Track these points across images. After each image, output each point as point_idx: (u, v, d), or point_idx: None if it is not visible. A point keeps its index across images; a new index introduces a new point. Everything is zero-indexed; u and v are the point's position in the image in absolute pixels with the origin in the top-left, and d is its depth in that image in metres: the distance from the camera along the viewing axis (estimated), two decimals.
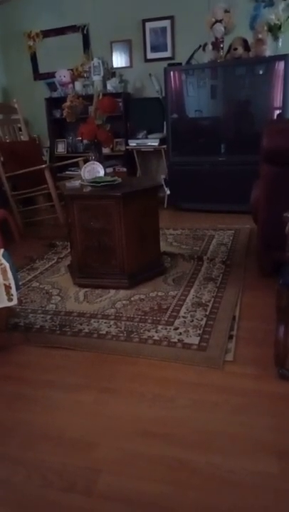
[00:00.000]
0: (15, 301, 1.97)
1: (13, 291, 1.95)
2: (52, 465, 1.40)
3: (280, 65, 3.88)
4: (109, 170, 4.43)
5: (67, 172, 4.92)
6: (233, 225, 3.89)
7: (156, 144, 4.69)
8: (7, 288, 1.93)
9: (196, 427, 1.53)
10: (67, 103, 3.04)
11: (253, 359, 1.89)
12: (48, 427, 1.58)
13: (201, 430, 1.51)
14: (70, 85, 5.04)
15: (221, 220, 4.11)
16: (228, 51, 4.12)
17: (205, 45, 4.21)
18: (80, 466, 1.39)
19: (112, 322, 2.29)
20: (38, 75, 5.36)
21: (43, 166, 3.88)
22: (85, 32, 4.99)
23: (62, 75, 5.02)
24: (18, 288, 2.02)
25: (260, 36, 3.91)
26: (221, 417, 1.57)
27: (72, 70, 5.04)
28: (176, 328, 2.18)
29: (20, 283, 2.81)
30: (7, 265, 1.94)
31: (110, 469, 1.37)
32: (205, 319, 2.25)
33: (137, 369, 1.89)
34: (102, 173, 2.84)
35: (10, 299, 1.95)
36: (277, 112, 4.00)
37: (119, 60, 4.98)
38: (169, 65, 4.40)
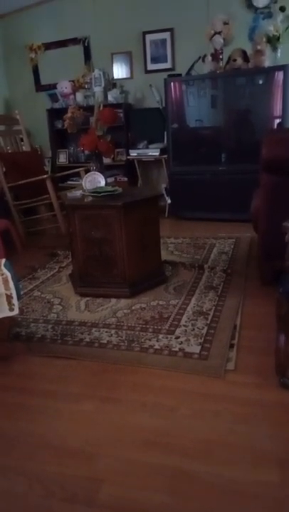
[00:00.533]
0: (16, 311, 1.98)
1: (15, 300, 1.96)
2: (53, 475, 1.40)
3: (280, 76, 3.92)
4: (111, 180, 4.46)
5: (68, 182, 4.96)
6: (233, 234, 3.90)
7: (157, 153, 4.73)
8: (8, 298, 1.94)
9: (197, 437, 1.52)
10: (69, 114, 3.07)
11: (254, 368, 1.89)
12: (50, 437, 1.58)
13: (202, 439, 1.51)
14: (72, 96, 5.09)
15: (222, 228, 4.12)
16: (228, 62, 4.17)
17: (204, 56, 4.26)
18: (81, 476, 1.39)
19: (113, 331, 2.29)
20: (39, 87, 5.42)
21: (45, 176, 3.91)
22: (86, 44, 5.05)
23: (64, 87, 5.08)
24: (19, 297, 2.03)
25: (259, 47, 3.96)
26: (222, 427, 1.56)
27: (73, 81, 5.11)
28: (178, 337, 2.18)
29: (21, 292, 2.82)
30: (8, 275, 1.95)
31: (112, 479, 1.37)
32: (206, 328, 2.25)
33: (138, 378, 1.89)
34: (103, 183, 2.86)
35: (11, 309, 1.95)
36: (277, 121, 4.03)
37: (119, 72, 5.03)
38: (169, 75, 4.46)
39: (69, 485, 1.36)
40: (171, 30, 4.69)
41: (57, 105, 5.16)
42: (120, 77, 5.04)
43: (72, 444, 1.54)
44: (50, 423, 1.65)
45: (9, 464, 1.48)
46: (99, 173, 2.89)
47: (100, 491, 1.33)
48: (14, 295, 1.95)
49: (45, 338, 2.28)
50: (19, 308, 2.03)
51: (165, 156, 4.65)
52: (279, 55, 4.11)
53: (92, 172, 2.92)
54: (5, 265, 1.99)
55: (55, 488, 1.35)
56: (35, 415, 1.71)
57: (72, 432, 1.60)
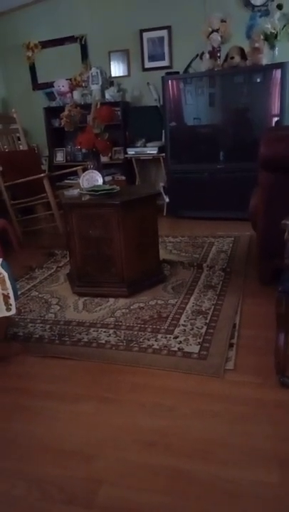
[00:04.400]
0: (13, 311, 1.96)
1: (12, 300, 1.94)
2: (52, 477, 1.39)
3: (277, 73, 3.91)
4: (109, 178, 4.44)
5: (66, 181, 4.94)
6: (232, 232, 3.89)
7: (155, 152, 4.71)
8: (5, 298, 1.92)
9: (197, 437, 1.51)
10: (66, 112, 3.05)
11: (254, 367, 1.88)
12: (48, 439, 1.57)
13: (202, 440, 1.50)
14: (69, 95, 5.07)
15: (221, 227, 4.11)
16: (225, 60, 4.15)
17: (202, 54, 4.24)
18: (80, 478, 1.38)
19: (111, 331, 2.28)
20: (36, 85, 5.40)
21: (42, 175, 3.89)
22: (83, 42, 5.03)
23: (61, 85, 5.06)
24: (16, 297, 2.02)
25: (256, 45, 3.94)
26: (222, 426, 1.55)
27: (70, 79, 5.09)
28: (176, 337, 2.17)
29: (19, 292, 2.81)
30: (6, 275, 1.93)
31: (111, 480, 1.36)
32: (205, 327, 2.24)
33: (137, 378, 1.88)
34: (100, 181, 2.85)
35: (8, 309, 1.94)
36: (275, 119, 4.02)
37: (117, 70, 5.01)
38: (167, 73, 4.43)
39: (67, 487, 1.35)
40: (168, 28, 4.67)
41: (54, 104, 5.14)
42: (117, 75, 5.02)
43: (71, 445, 1.53)
44: (48, 424, 1.64)
45: (7, 466, 1.46)
46: (96, 172, 2.87)
47: (99, 492, 1.32)
48: (11, 295, 1.94)
49: (43, 339, 2.26)
50: (16, 308, 2.01)
51: (163, 154, 4.64)
52: (276, 52, 4.09)
53: (90, 170, 2.90)
54: (2, 265, 1.98)
55: (53, 490, 1.34)
56: (33, 416, 1.69)
57: (71, 433, 1.58)
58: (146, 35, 4.78)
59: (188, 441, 1.49)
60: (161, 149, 4.67)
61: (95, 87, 4.87)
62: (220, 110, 4.38)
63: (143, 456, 1.45)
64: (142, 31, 4.77)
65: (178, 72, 4.46)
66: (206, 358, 1.97)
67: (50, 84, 5.16)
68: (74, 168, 4.32)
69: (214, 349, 2.03)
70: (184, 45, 4.59)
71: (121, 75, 5.01)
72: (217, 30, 4.05)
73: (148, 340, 2.16)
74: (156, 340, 2.15)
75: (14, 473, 1.43)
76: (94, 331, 2.30)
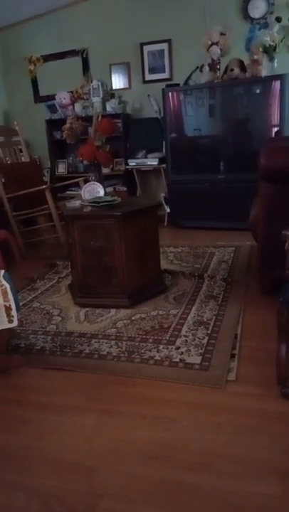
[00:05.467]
0: (15, 323, 1.96)
1: (14, 312, 1.94)
2: (53, 490, 1.38)
3: (276, 85, 3.95)
4: (110, 189, 4.46)
5: (67, 192, 4.96)
6: (233, 242, 3.89)
7: (156, 163, 4.74)
8: (7, 309, 1.93)
9: (198, 449, 1.51)
10: (67, 125, 3.08)
11: (256, 378, 1.88)
12: (49, 451, 1.56)
13: (204, 452, 1.49)
14: (70, 107, 5.13)
15: (221, 237, 4.12)
16: (225, 72, 4.19)
17: (202, 66, 4.29)
18: (80, 491, 1.37)
19: (112, 342, 2.28)
20: (38, 98, 5.46)
21: (44, 186, 3.91)
22: (84, 56, 5.09)
23: (63, 98, 5.11)
24: (18, 309, 2.02)
25: (255, 57, 3.99)
26: (224, 438, 1.54)
27: (72, 92, 5.14)
28: (178, 348, 2.16)
29: (20, 304, 2.81)
30: (7, 286, 1.94)
31: (111, 494, 1.35)
32: (207, 338, 2.24)
33: (138, 390, 1.87)
34: (102, 193, 2.86)
35: (10, 321, 1.94)
36: (275, 130, 4.05)
37: (118, 82, 5.07)
38: (167, 85, 4.48)
39: (68, 499, 1.34)
40: (168, 41, 4.73)
41: (55, 116, 5.19)
42: (118, 87, 5.07)
43: (72, 457, 1.52)
44: (50, 436, 1.63)
45: (8, 478, 1.45)
46: (98, 183, 2.89)
47: (100, 505, 1.31)
48: (13, 306, 1.94)
49: (45, 350, 2.26)
50: (18, 319, 2.01)
51: (164, 165, 4.67)
52: (276, 64, 4.13)
53: (91, 182, 2.93)
54: (4, 276, 1.98)
55: (54, 503, 1.33)
56: (34, 428, 1.69)
57: (72, 446, 1.58)
58: (146, 48, 4.84)
59: (190, 454, 1.49)
60: (161, 160, 4.70)
61: (96, 100, 4.92)
62: (220, 121, 4.41)
63: (144, 468, 1.44)
64: (142, 44, 4.83)
65: (178, 84, 4.51)
66: (208, 369, 1.96)
67: (52, 97, 5.22)
68: (75, 180, 4.35)
69: (216, 360, 2.02)
70: (184, 57, 4.64)
71: (122, 87, 5.07)
72: (217, 43, 4.10)
73: (150, 351, 2.16)
74: (157, 351, 2.14)
75: (15, 485, 1.42)
76: (95, 342, 2.30)
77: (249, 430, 1.57)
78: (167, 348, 2.17)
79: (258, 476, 1.37)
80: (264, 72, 3.99)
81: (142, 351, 2.16)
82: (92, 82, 4.98)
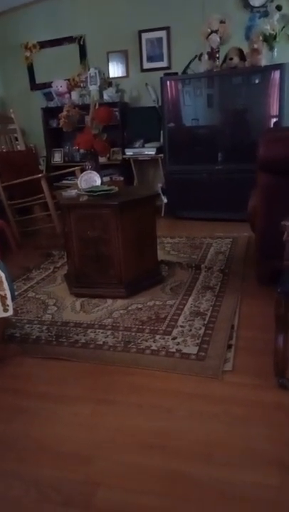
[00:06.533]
0: (10, 312, 1.95)
1: (9, 301, 1.93)
2: (49, 479, 1.38)
3: (276, 74, 3.91)
4: (106, 179, 4.43)
5: (63, 181, 4.92)
6: (230, 233, 3.88)
7: (153, 152, 4.71)
8: (3, 298, 1.91)
9: (195, 439, 1.50)
10: (64, 113, 3.04)
11: (253, 369, 1.87)
12: (45, 440, 1.55)
13: (200, 442, 1.49)
14: (67, 95, 5.07)
15: (219, 228, 4.11)
16: (224, 61, 4.15)
17: (201, 55, 4.24)
18: (77, 480, 1.37)
19: (109, 332, 2.27)
20: (34, 85, 5.39)
21: (40, 175, 3.88)
22: (81, 43, 5.02)
23: (59, 85, 5.05)
24: (13, 298, 2.00)
25: (255, 46, 3.94)
26: (221, 428, 1.54)
27: (68, 80, 5.08)
28: (174, 338, 2.16)
29: (16, 293, 2.79)
30: (3, 275, 1.92)
31: (108, 483, 1.35)
32: (203, 328, 2.23)
33: (135, 380, 1.87)
34: (98, 182, 2.83)
35: (5, 310, 1.92)
36: (274, 120, 4.02)
37: (115, 70, 5.01)
38: (165, 74, 4.43)
39: (65, 489, 1.34)
40: (167, 28, 4.67)
41: (52, 104, 5.13)
42: (116, 75, 5.01)
43: (68, 447, 1.51)
44: (46, 426, 1.63)
45: (4, 467, 1.45)
46: (95, 172, 2.86)
47: (96, 494, 1.31)
48: (8, 296, 1.93)
49: (40, 340, 2.25)
50: (13, 309, 2.00)
51: (161, 155, 4.63)
52: (275, 54, 4.09)
53: (88, 171, 2.89)
54: None
55: (50, 492, 1.33)
56: (30, 418, 1.68)
57: (68, 435, 1.57)
58: (144, 35, 4.77)
59: (187, 443, 1.48)
60: (159, 150, 4.67)
61: (94, 88, 4.85)
62: (218, 111, 4.38)
63: (141, 458, 1.44)
64: (140, 32, 4.77)
65: (176, 73, 4.46)
66: (205, 359, 1.96)
67: (49, 85, 5.15)
68: (72, 169, 4.31)
69: (212, 350, 2.02)
70: (182, 46, 4.59)
71: (119, 75, 5.01)
72: (216, 31, 4.05)
73: (146, 341, 2.15)
74: (154, 342, 2.14)
75: (11, 474, 1.41)
76: (91, 332, 2.29)
77: (246, 420, 1.57)
78: (164, 339, 2.16)
79: (256, 467, 1.37)
80: (264, 61, 3.95)
81: (139, 341, 2.15)
82: (89, 69, 4.91)
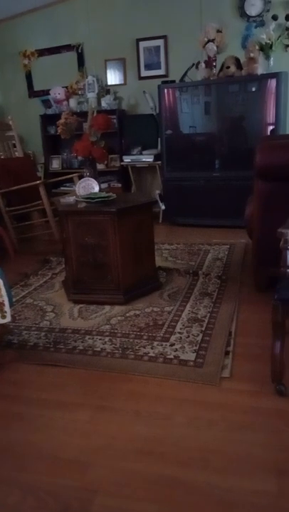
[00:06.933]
0: (8, 318, 1.95)
1: (7, 308, 1.93)
2: (47, 486, 1.37)
3: (272, 83, 3.95)
4: (104, 186, 4.45)
5: (61, 188, 4.94)
6: (228, 240, 3.90)
7: (151, 159, 4.73)
8: (0, 305, 1.91)
9: (193, 445, 1.50)
10: (62, 120, 3.06)
11: (250, 375, 1.88)
12: (43, 447, 1.55)
13: (198, 448, 1.49)
14: (65, 102, 5.09)
15: (216, 234, 4.12)
16: (221, 69, 4.19)
17: (198, 63, 4.28)
18: (75, 487, 1.36)
19: (107, 339, 2.27)
20: (32, 93, 5.41)
21: (38, 182, 3.89)
22: (79, 51, 5.06)
23: (57, 93, 5.08)
24: (11, 305, 2.00)
25: (251, 55, 3.98)
26: (218, 435, 1.55)
27: (66, 87, 5.11)
28: (172, 345, 2.16)
29: (13, 299, 2.79)
30: (0, 282, 1.92)
31: (106, 490, 1.35)
32: (201, 335, 2.24)
33: (133, 386, 1.87)
34: (96, 189, 2.85)
35: (3, 316, 1.93)
36: (270, 128, 4.05)
37: (113, 78, 5.04)
38: (163, 82, 4.47)
39: (62, 496, 1.34)
40: (164, 37, 4.71)
41: (50, 111, 5.16)
42: (114, 83, 5.04)
43: (66, 453, 1.51)
44: (43, 432, 1.63)
45: (2, 474, 1.44)
46: (93, 179, 2.88)
47: (94, 501, 1.31)
48: (6, 302, 1.93)
49: (38, 346, 2.25)
50: (11, 315, 2.00)
51: (159, 162, 4.65)
52: (272, 63, 4.14)
53: (86, 178, 2.91)
54: None
55: (48, 499, 1.33)
56: (27, 424, 1.68)
57: (66, 442, 1.57)
58: (142, 44, 4.81)
59: (185, 450, 1.49)
60: (157, 157, 4.69)
61: (91, 95, 4.89)
62: (215, 119, 4.41)
63: (139, 464, 1.44)
64: (138, 40, 4.81)
65: (174, 81, 4.50)
66: (202, 365, 1.96)
67: (47, 92, 5.18)
68: (70, 176, 4.32)
69: (210, 357, 2.03)
70: (180, 54, 4.63)
71: (117, 83, 5.04)
72: (213, 40, 4.10)
73: (144, 347, 2.15)
74: (152, 348, 2.14)
75: (9, 481, 1.41)
76: (89, 338, 2.29)
77: (244, 427, 1.58)
78: (161, 345, 2.16)
79: (253, 473, 1.37)
80: (260, 70, 3.99)
81: (136, 348, 2.15)
82: (87, 77, 4.95)
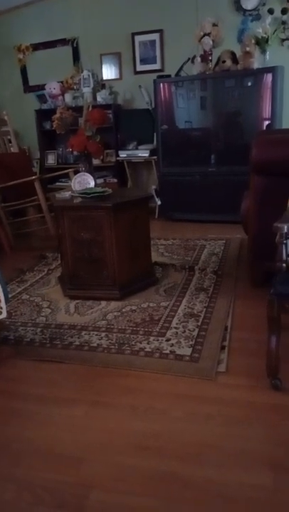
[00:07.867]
0: (4, 315, 1.95)
1: (3, 304, 1.93)
2: (43, 482, 1.38)
3: (268, 77, 3.93)
4: (100, 181, 4.43)
5: (57, 183, 4.92)
6: (223, 235, 3.89)
7: (147, 154, 4.71)
8: None
9: (189, 440, 1.51)
10: (57, 115, 3.04)
11: (246, 370, 1.88)
12: (39, 443, 1.55)
13: (195, 443, 1.49)
14: (60, 97, 5.06)
15: (212, 230, 4.12)
16: (217, 63, 4.17)
17: (194, 57, 4.26)
18: (71, 483, 1.36)
19: (103, 334, 2.27)
20: (28, 88, 5.38)
21: (33, 177, 3.87)
22: (74, 45, 5.03)
23: (52, 87, 5.05)
24: (7, 301, 2.00)
25: (247, 49, 3.96)
26: (214, 429, 1.55)
27: (62, 82, 5.08)
28: (168, 340, 2.16)
29: (9, 296, 2.79)
30: None
31: (102, 485, 1.35)
32: (197, 330, 2.24)
33: (129, 381, 1.87)
34: (92, 184, 2.84)
35: None
36: (266, 122, 4.05)
37: (108, 72, 5.01)
38: (159, 77, 4.44)
39: (58, 491, 1.34)
40: (160, 31, 4.68)
41: (45, 106, 5.12)
42: (109, 77, 5.02)
43: (62, 449, 1.51)
44: (39, 428, 1.63)
45: None
46: (88, 174, 2.87)
47: (90, 497, 1.31)
48: (2, 298, 1.92)
49: (34, 342, 2.24)
50: (7, 311, 1.99)
51: (155, 157, 4.64)
52: (268, 57, 4.12)
53: (82, 173, 2.89)
54: None
55: (44, 495, 1.33)
56: (23, 420, 1.68)
57: (62, 437, 1.57)
58: (138, 38, 4.78)
59: (181, 445, 1.49)
60: (152, 152, 4.67)
61: (87, 90, 4.86)
62: (211, 114, 4.40)
63: (135, 459, 1.44)
64: (133, 34, 4.78)
65: (170, 76, 4.47)
66: (198, 360, 1.97)
67: (42, 87, 5.15)
68: (65, 171, 4.30)
69: (206, 352, 2.03)
70: (175, 48, 4.60)
71: (113, 77, 5.01)
72: (209, 34, 4.08)
73: (140, 343, 2.15)
74: (148, 343, 2.14)
75: (5, 476, 1.41)
76: (85, 334, 2.29)
77: (240, 421, 1.58)
78: (158, 340, 2.16)
79: (250, 467, 1.37)
80: (256, 64, 3.97)
81: (133, 343, 2.15)
82: (82, 72, 4.92)
